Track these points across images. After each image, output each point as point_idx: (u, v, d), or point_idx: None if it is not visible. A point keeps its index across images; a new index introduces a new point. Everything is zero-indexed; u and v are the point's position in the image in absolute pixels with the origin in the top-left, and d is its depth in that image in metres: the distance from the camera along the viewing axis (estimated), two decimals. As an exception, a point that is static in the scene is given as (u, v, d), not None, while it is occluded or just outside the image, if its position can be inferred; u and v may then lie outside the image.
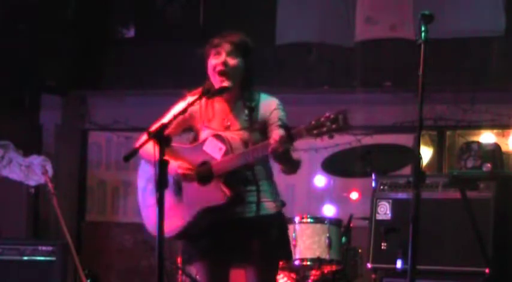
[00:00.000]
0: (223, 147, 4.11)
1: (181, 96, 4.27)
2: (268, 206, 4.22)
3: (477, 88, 8.18)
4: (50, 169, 7.20)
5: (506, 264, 5.67)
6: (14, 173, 7.45)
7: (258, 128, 4.18)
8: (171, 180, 4.21)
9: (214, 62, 4.21)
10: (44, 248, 6.90)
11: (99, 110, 9.25)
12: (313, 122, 3.81)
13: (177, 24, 9.16)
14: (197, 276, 6.35)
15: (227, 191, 4.05)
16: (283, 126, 3.93)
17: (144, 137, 3.81)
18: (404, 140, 7.40)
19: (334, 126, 3.73)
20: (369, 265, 5.90)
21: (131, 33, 9.38)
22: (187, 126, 4.34)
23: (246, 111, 4.19)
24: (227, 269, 4.34)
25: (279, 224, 4.29)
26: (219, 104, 4.28)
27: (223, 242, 4.20)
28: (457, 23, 8.09)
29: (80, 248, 8.63)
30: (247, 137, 4.16)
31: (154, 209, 4.20)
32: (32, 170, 7.37)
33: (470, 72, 8.23)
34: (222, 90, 4.19)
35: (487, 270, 5.48)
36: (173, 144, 4.25)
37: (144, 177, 4.41)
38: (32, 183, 7.49)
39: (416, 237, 3.77)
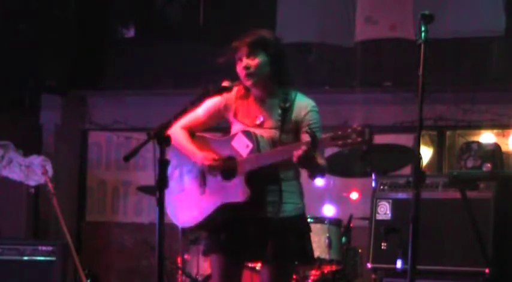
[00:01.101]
0: (251, 145, 4.10)
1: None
2: (291, 208, 4.21)
3: (477, 88, 8.18)
4: (50, 169, 7.21)
5: (506, 264, 5.67)
6: (14, 173, 7.45)
7: (290, 129, 4.18)
8: (196, 170, 4.26)
9: (238, 68, 4.22)
10: (44, 248, 6.90)
11: (99, 110, 9.26)
12: (339, 132, 3.83)
13: (177, 24, 9.16)
14: (197, 275, 6.36)
15: (248, 190, 4.05)
16: (310, 132, 3.93)
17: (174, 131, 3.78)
18: (404, 140, 7.41)
19: (359, 139, 3.76)
20: (369, 265, 5.89)
21: (131, 33, 9.38)
22: (222, 117, 4.35)
23: (279, 111, 4.19)
24: (241, 265, 4.37)
25: (299, 226, 4.26)
26: (253, 100, 4.28)
27: (240, 239, 4.19)
28: (457, 23, 8.09)
29: (80, 248, 8.64)
30: (277, 137, 4.16)
31: (177, 197, 4.28)
32: (32, 170, 7.37)
33: (470, 72, 8.23)
34: (221, 90, 4.19)
35: (487, 270, 5.47)
36: (205, 134, 4.34)
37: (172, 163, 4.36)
38: (32, 183, 7.49)
39: (416, 237, 3.76)
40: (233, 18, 8.49)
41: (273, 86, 4.26)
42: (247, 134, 4.15)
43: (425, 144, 8.52)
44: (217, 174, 4.20)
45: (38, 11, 8.62)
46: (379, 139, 8.09)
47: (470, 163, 6.06)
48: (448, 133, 8.59)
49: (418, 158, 3.90)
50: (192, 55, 8.53)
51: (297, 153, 3.90)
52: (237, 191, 4.09)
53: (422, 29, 3.85)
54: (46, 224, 8.56)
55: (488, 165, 5.95)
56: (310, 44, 8.69)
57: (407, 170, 6.61)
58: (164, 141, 3.71)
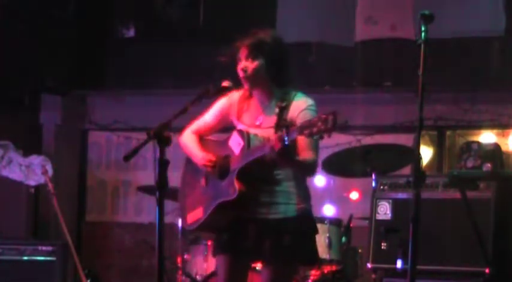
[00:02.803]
0: (242, 143, 4.14)
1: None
2: (286, 209, 4.20)
3: (477, 88, 8.18)
4: (50, 169, 7.21)
5: (506, 264, 5.67)
6: (14, 173, 7.46)
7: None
8: (202, 171, 4.32)
9: (238, 68, 4.26)
10: (44, 248, 6.91)
11: (99, 110, 9.25)
12: (305, 122, 3.83)
13: (177, 24, 9.16)
14: (197, 275, 6.36)
15: (236, 187, 4.05)
16: (282, 125, 3.93)
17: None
18: (404, 140, 7.40)
19: (323, 127, 3.75)
20: (369, 265, 5.89)
21: (131, 33, 9.38)
22: (228, 121, 4.40)
23: (276, 110, 4.19)
24: (245, 265, 4.38)
25: (299, 227, 4.22)
26: (254, 101, 4.32)
27: (241, 240, 4.21)
28: (457, 23, 8.09)
29: (80, 248, 8.63)
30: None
31: (187, 199, 4.34)
32: (32, 170, 7.38)
33: (470, 72, 8.22)
34: (221, 90, 4.20)
35: (487, 270, 5.47)
36: (210, 137, 4.42)
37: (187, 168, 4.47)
38: (32, 183, 7.50)
39: (416, 237, 3.77)
40: (233, 18, 8.49)
41: (273, 87, 4.27)
42: (240, 132, 4.19)
43: (425, 144, 8.51)
44: (214, 173, 4.23)
45: (37, 11, 8.62)
46: (379, 139, 8.13)
47: (470, 163, 6.06)
48: (448, 133, 8.59)
49: (418, 158, 3.90)
50: (192, 55, 8.54)
51: (270, 146, 3.90)
52: (227, 189, 4.10)
53: (422, 29, 3.86)
54: (46, 224, 8.56)
55: (488, 165, 5.94)
56: (310, 44, 8.69)
57: (407, 170, 6.60)
58: (164, 141, 3.71)
